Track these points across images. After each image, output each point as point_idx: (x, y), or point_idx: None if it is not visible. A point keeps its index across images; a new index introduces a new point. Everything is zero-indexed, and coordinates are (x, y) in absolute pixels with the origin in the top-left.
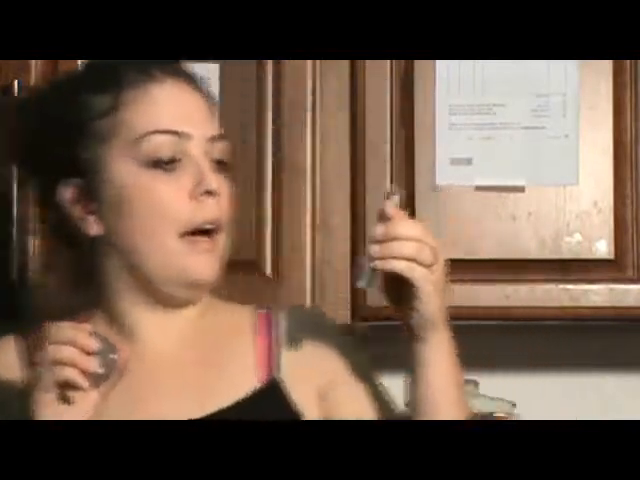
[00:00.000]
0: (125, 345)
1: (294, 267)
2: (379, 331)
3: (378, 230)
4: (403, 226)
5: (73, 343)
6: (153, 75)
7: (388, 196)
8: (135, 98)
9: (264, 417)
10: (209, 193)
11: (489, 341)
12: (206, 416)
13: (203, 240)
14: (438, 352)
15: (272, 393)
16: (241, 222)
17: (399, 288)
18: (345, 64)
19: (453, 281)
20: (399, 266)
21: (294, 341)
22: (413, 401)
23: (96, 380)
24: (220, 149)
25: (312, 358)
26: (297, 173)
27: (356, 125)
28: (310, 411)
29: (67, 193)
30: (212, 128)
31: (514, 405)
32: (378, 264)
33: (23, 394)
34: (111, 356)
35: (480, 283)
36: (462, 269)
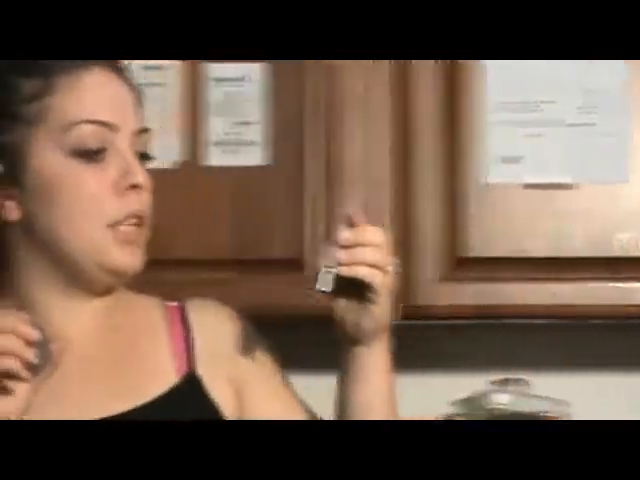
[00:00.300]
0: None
1: None
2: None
3: (343, 235)
4: (368, 232)
5: (14, 332)
6: (84, 63)
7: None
8: (65, 84)
9: (184, 413)
10: (134, 187)
11: (538, 339)
12: (126, 412)
13: (129, 231)
14: (381, 354)
15: (191, 388)
16: (290, 222)
17: (352, 292)
18: (392, 64)
19: (504, 279)
20: (362, 272)
21: (206, 333)
22: (348, 401)
23: (32, 371)
24: (145, 142)
25: (224, 350)
26: (345, 172)
27: (405, 124)
28: (227, 405)
29: None
30: (138, 120)
31: (568, 404)
32: (344, 270)
33: None
34: (48, 347)
35: (529, 281)
36: (511, 267)
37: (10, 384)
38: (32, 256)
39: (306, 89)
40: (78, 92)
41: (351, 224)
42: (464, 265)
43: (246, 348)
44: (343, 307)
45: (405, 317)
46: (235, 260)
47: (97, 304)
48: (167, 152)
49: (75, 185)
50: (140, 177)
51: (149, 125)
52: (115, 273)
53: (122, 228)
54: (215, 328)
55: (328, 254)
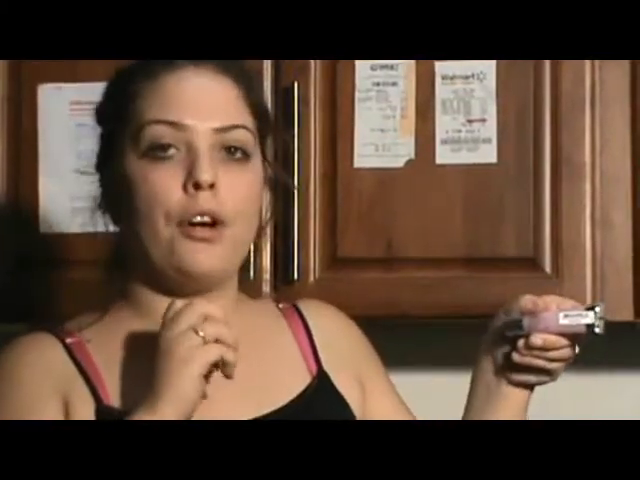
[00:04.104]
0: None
1: (574, 264)
2: None
3: None
4: None
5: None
6: (170, 64)
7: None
8: (147, 87)
9: (323, 411)
10: (198, 185)
11: None
12: (264, 415)
13: (201, 229)
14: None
15: (325, 386)
16: (519, 220)
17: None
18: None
19: None
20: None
21: (324, 332)
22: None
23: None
24: (234, 139)
25: (344, 348)
26: (576, 169)
27: (637, 119)
28: (354, 401)
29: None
30: (226, 118)
31: None
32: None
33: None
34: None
35: None
36: None
37: (215, 374)
38: (134, 259)
39: (532, 86)
40: (154, 94)
41: None
42: None
43: (362, 345)
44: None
45: None
46: (467, 259)
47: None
48: (399, 150)
49: (145, 184)
50: (206, 175)
51: (379, 124)
52: (186, 275)
53: (193, 227)
54: (332, 327)
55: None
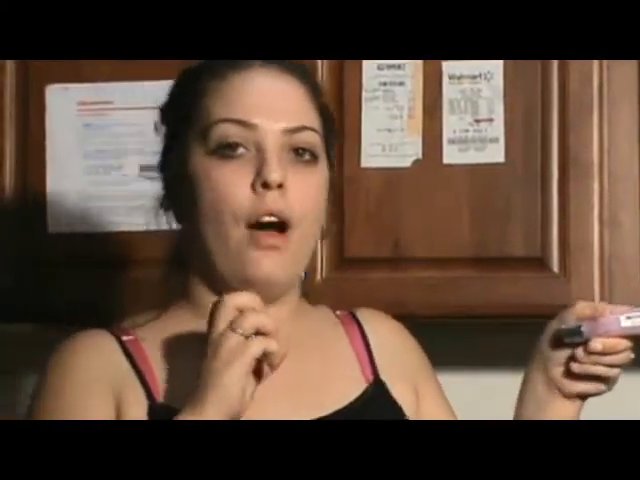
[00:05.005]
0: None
1: (582, 264)
2: None
3: None
4: None
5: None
6: (238, 63)
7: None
8: (215, 86)
9: (375, 418)
10: (267, 185)
11: None
12: (325, 416)
13: (270, 234)
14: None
15: (380, 393)
16: (527, 219)
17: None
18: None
19: None
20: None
21: (380, 339)
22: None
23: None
24: (303, 141)
25: (399, 353)
26: (584, 168)
27: None
28: (409, 407)
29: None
30: (296, 119)
31: None
32: None
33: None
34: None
35: None
36: None
37: (265, 367)
38: (195, 258)
39: (540, 86)
40: (223, 93)
41: None
42: None
43: (417, 352)
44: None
45: None
46: (475, 258)
47: (272, 313)
48: (407, 150)
49: (213, 182)
50: (275, 175)
51: (386, 124)
52: (247, 280)
53: (261, 232)
54: (388, 335)
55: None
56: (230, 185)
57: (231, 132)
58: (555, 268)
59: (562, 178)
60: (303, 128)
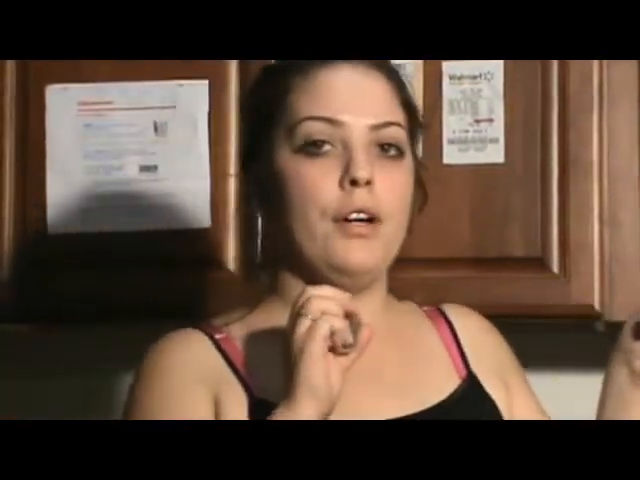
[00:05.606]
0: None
1: (582, 264)
2: None
3: None
4: None
5: (335, 298)
6: (320, 62)
7: None
8: (300, 83)
9: (472, 414)
10: (355, 182)
11: None
12: (408, 416)
13: (357, 225)
14: None
15: (474, 389)
16: (527, 220)
17: None
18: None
19: None
20: None
21: (470, 335)
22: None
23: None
24: (389, 136)
25: (488, 349)
26: (584, 168)
27: None
28: (502, 402)
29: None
30: (381, 114)
31: None
32: None
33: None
34: (358, 331)
35: None
36: None
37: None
38: (287, 255)
39: (540, 86)
40: (309, 90)
41: None
42: None
43: (506, 348)
44: None
45: None
46: (475, 259)
47: (361, 305)
48: None
49: (300, 180)
50: (362, 172)
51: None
52: (341, 271)
53: (349, 223)
54: (477, 330)
55: None
56: (318, 182)
57: (318, 129)
58: (555, 268)
59: (562, 178)
60: (389, 124)
